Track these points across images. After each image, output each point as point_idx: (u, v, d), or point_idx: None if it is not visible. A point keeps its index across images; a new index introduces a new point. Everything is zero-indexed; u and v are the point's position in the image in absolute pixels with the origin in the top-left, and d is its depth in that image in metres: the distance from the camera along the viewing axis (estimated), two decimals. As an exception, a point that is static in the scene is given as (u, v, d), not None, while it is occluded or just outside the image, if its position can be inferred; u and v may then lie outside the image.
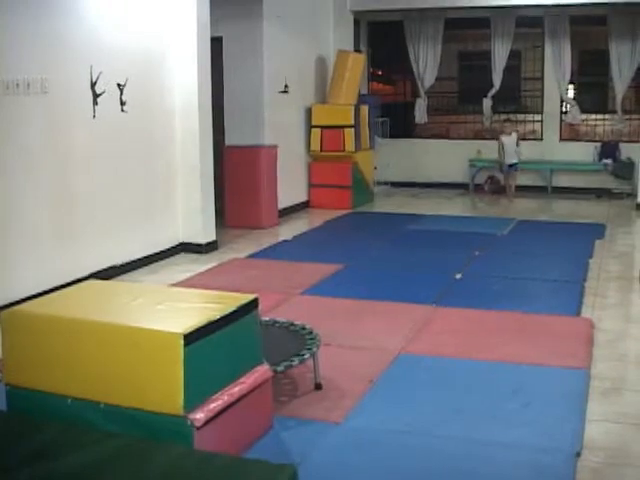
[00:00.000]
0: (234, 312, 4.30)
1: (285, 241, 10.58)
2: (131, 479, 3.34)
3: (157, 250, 9.27)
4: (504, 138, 14.27)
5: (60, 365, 4.27)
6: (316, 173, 13.20)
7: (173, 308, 4.33)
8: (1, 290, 6.91)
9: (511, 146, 14.22)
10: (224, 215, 11.24)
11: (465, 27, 16.70)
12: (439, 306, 7.29)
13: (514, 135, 14.39)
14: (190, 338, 3.92)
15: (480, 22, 15.55)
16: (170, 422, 3.95)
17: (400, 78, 17.66)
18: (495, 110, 15.78)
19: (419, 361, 5.90)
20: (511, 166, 14.34)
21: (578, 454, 4.34)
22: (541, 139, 15.33)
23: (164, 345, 3.93)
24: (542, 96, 15.35)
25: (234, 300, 4.44)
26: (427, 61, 15.62)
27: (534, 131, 15.84)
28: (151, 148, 9.21)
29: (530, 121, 16.10)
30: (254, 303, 4.51)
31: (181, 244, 9.71)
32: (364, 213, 12.91)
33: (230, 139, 11.76)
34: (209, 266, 8.97)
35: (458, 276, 8.40)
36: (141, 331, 4.04)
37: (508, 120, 14.95)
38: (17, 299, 6.42)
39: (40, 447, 3.59)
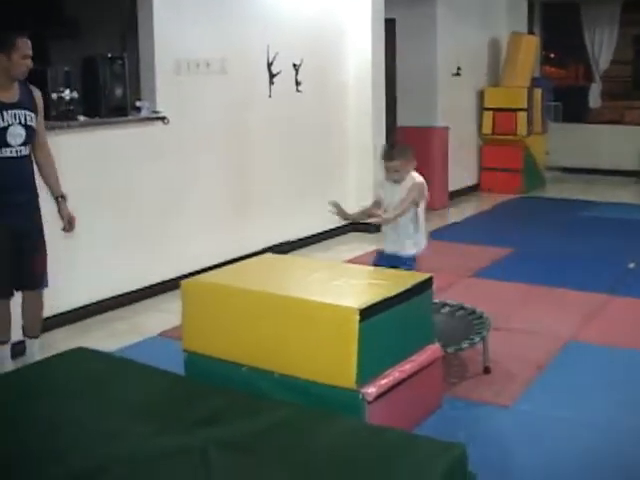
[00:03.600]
0: (409, 290, 4.34)
1: (455, 223, 10.56)
2: (303, 446, 3.41)
3: (327, 228, 9.37)
4: (383, 190, 5.76)
5: (237, 334, 4.41)
6: (487, 156, 13.03)
7: (349, 284, 4.41)
8: (182, 261, 7.18)
9: (391, 203, 5.49)
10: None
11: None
12: (611, 295, 7.11)
13: (410, 182, 5.56)
14: (366, 314, 3.98)
15: (660, 5, 15.00)
16: (342, 395, 4.02)
17: (572, 62, 17.23)
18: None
19: (590, 349, 5.80)
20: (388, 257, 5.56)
21: None
22: None
23: (340, 319, 4.01)
24: None
25: (409, 278, 4.49)
26: (602, 45, 15.20)
27: None
28: (324, 128, 9.33)
29: None
30: (429, 282, 4.54)
31: (351, 223, 9.76)
32: (535, 198, 12.67)
33: (402, 120, 11.74)
34: (379, 246, 9.01)
35: (631, 265, 8.16)
36: (318, 305, 4.13)
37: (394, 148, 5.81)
38: (196, 269, 6.62)
39: (214, 412, 3.70)
